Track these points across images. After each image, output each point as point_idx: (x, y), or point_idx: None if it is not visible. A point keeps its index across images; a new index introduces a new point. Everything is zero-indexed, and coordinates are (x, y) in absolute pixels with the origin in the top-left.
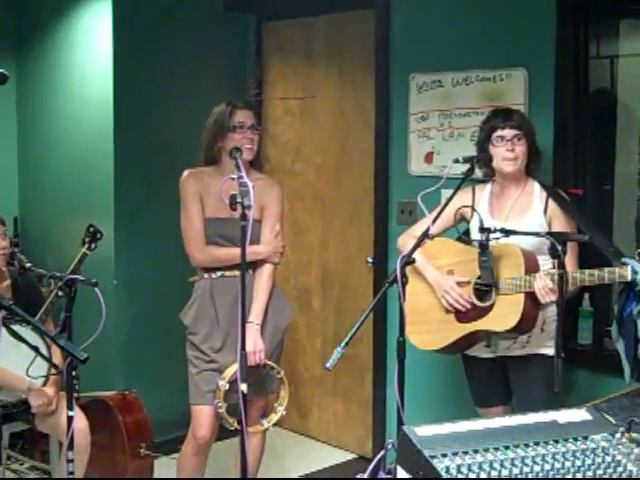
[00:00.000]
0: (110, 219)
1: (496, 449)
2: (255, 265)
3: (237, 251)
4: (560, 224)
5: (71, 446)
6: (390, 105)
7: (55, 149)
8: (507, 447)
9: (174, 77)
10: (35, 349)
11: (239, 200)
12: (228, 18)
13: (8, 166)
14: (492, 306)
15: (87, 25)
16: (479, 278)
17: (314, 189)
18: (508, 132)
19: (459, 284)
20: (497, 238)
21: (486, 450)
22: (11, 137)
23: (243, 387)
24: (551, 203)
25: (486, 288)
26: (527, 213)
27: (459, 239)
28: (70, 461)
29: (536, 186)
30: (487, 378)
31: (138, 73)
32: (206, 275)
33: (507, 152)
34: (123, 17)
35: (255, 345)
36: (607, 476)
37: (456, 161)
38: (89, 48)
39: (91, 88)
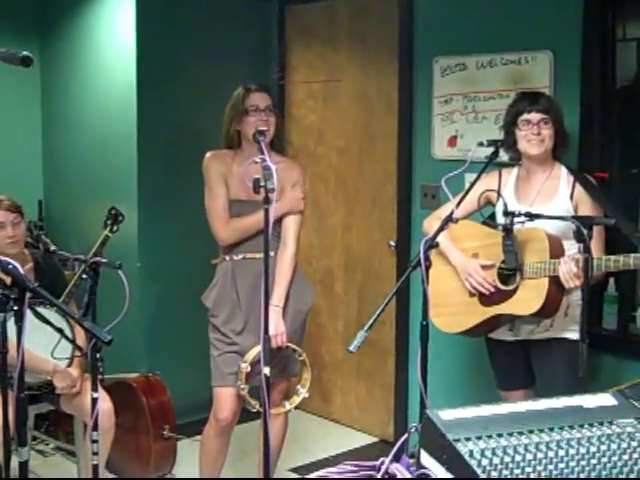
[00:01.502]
0: (133, 202)
1: (520, 433)
2: (277, 247)
3: (258, 216)
4: (587, 209)
5: (95, 427)
6: (413, 88)
7: (79, 133)
8: (531, 431)
9: (197, 61)
10: (60, 331)
11: (262, 183)
12: (251, 2)
13: (33, 150)
14: (516, 290)
15: (111, 9)
16: (503, 262)
17: (337, 172)
18: (534, 116)
19: (483, 267)
20: (522, 222)
21: (510, 434)
22: (36, 121)
23: (266, 370)
24: (578, 187)
25: (510, 272)
26: (554, 197)
27: (484, 223)
28: (94, 441)
29: (563, 170)
30: (510, 361)
31: (161, 57)
32: (228, 257)
33: (533, 135)
34: (147, 3)
35: (277, 328)
36: (632, 461)
37: (480, 144)
38: (113, 32)
39: (114, 72)
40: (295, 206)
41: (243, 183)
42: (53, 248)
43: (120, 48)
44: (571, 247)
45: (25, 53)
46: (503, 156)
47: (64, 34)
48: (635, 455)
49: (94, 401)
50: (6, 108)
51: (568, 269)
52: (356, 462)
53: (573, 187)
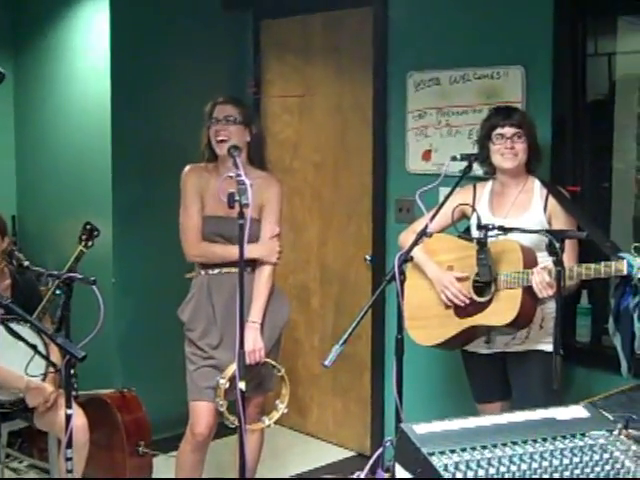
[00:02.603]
0: (108, 217)
1: (494, 446)
2: (254, 264)
3: (232, 249)
4: (560, 221)
5: (70, 444)
6: (388, 103)
7: (53, 148)
8: (505, 444)
9: (172, 76)
10: (33, 347)
11: (237, 198)
12: (226, 16)
13: (6, 165)
14: (490, 301)
15: (85, 24)
16: (477, 275)
17: (312, 187)
18: (508, 130)
19: (458, 279)
20: (495, 235)
21: (484, 447)
22: (9, 136)
23: (241, 385)
24: (551, 200)
25: (485, 283)
26: (527, 210)
27: (460, 236)
28: (69, 459)
29: (536, 184)
30: (486, 374)
31: (135, 72)
32: (203, 272)
33: (506, 149)
34: (120, 16)
35: (255, 344)
36: (605, 473)
37: (454, 159)
38: (87, 47)
39: (89, 87)
40: (269, 256)
41: (219, 199)
42: (26, 264)
43: (94, 63)
44: (545, 259)
45: None
46: (477, 170)
47: (37, 49)
48: (607, 467)
49: (68, 417)
50: None
51: (541, 279)
52: (333, 476)
53: (546, 200)
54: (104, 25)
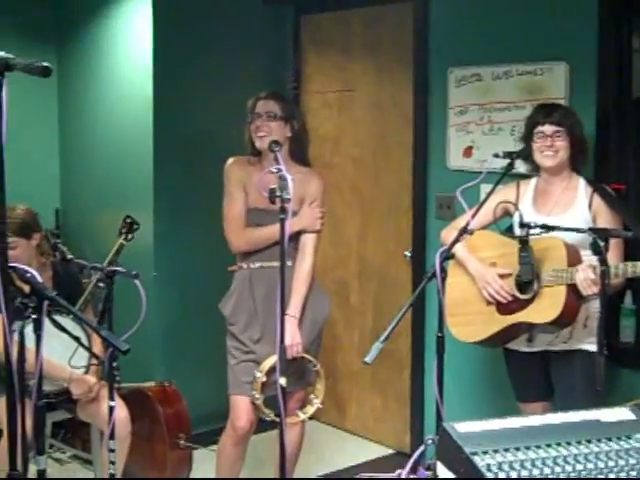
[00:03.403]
0: (149, 211)
1: (538, 447)
2: (295, 257)
3: (274, 229)
4: (605, 220)
5: (112, 436)
6: (428, 99)
7: (95, 142)
8: (549, 445)
9: (213, 69)
10: (77, 339)
11: (278, 193)
12: (266, 11)
13: (50, 159)
14: (533, 298)
15: (127, 17)
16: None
17: (352, 182)
18: (548, 128)
19: (501, 276)
20: (539, 234)
21: (528, 448)
22: (53, 130)
23: (282, 381)
24: (596, 198)
25: (527, 280)
26: (571, 208)
27: (502, 233)
28: (111, 450)
29: (581, 182)
30: (528, 372)
31: (177, 65)
32: (245, 265)
33: (546, 147)
34: (162, 10)
35: (293, 338)
36: None
37: (496, 156)
38: (129, 42)
39: (131, 81)
40: (312, 224)
41: (261, 192)
42: (70, 256)
43: (137, 57)
44: (588, 257)
45: (45, 63)
46: (519, 167)
47: (81, 42)
48: None
49: (111, 409)
50: (24, 118)
51: (585, 276)
52: (373, 474)
53: (591, 198)
54: (146, 19)
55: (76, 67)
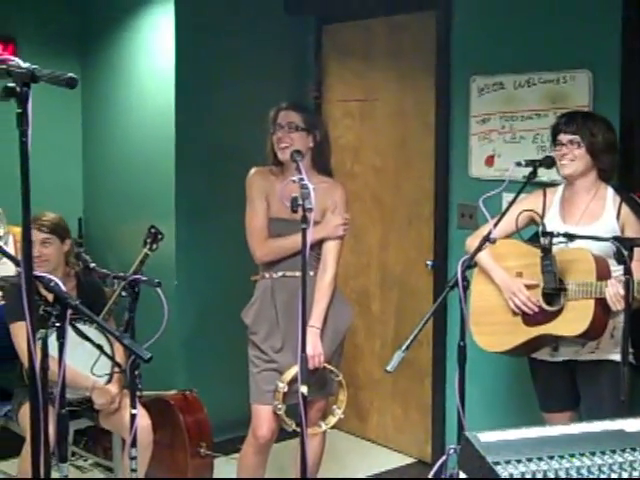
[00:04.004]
0: (171, 220)
1: (561, 457)
2: (317, 267)
3: (296, 239)
4: (633, 229)
5: (134, 443)
6: (450, 107)
7: (118, 152)
8: (572, 455)
9: (235, 79)
10: (99, 347)
11: (300, 202)
12: (288, 21)
13: (74, 169)
14: (561, 310)
15: (150, 28)
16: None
17: (373, 191)
18: (563, 137)
19: (527, 287)
20: (564, 242)
21: (551, 458)
22: (76, 140)
23: (303, 389)
24: (624, 208)
25: (555, 292)
26: (599, 218)
27: (527, 242)
28: (133, 458)
29: (609, 191)
30: (554, 383)
31: (199, 75)
32: (267, 274)
33: (562, 156)
34: (185, 20)
35: (314, 349)
36: None
37: (518, 164)
38: (152, 50)
39: (153, 91)
40: (334, 232)
41: (283, 202)
42: (93, 265)
43: (159, 67)
44: (615, 267)
45: (70, 75)
46: (542, 176)
47: (103, 53)
48: None
49: (133, 417)
50: (48, 128)
51: (615, 291)
52: None
53: (619, 208)
54: (169, 30)
55: (100, 78)
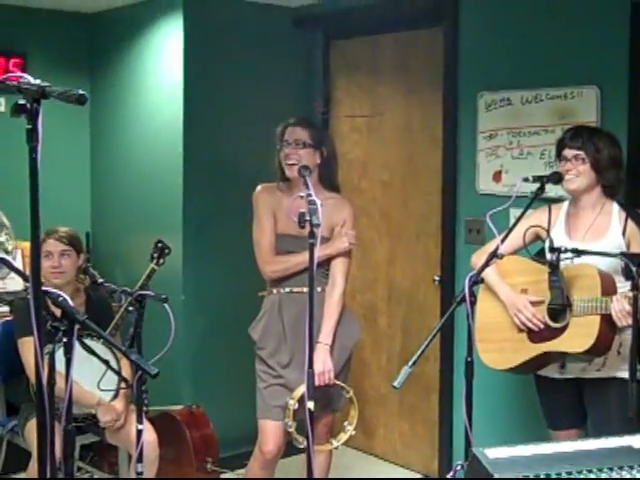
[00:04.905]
0: (179, 235)
1: (569, 474)
2: (325, 283)
3: (304, 256)
4: (639, 245)
5: (140, 459)
6: (458, 123)
7: (126, 167)
8: (580, 472)
9: (242, 94)
10: (106, 363)
11: (307, 218)
12: (296, 37)
13: (81, 183)
14: (566, 327)
15: (158, 44)
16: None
17: (381, 206)
18: (568, 152)
19: (533, 303)
20: (569, 258)
21: (558, 474)
22: (85, 156)
23: (310, 405)
24: (630, 224)
25: (560, 308)
26: (605, 234)
27: (533, 258)
28: (139, 474)
29: (615, 206)
30: (560, 400)
31: (207, 91)
32: (275, 290)
33: (566, 171)
34: (193, 36)
35: (325, 365)
36: None
37: (526, 180)
38: (160, 66)
39: (162, 106)
40: (342, 249)
41: (291, 218)
42: (100, 280)
43: (167, 83)
44: (622, 283)
45: (80, 92)
46: (549, 192)
47: (112, 71)
48: None
49: (139, 433)
50: (56, 143)
51: (621, 307)
52: None
53: (625, 223)
54: (177, 45)
55: (108, 93)
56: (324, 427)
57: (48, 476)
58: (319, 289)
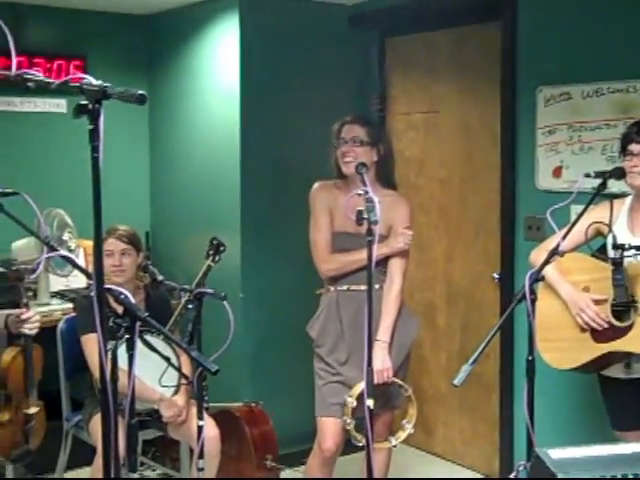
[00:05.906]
0: (237, 233)
1: (635, 476)
2: (383, 280)
3: (362, 254)
4: None
5: (201, 455)
6: (516, 119)
7: (184, 166)
8: None
9: (299, 93)
10: (167, 359)
11: (365, 216)
12: (351, 35)
13: (142, 183)
14: (631, 326)
15: (215, 44)
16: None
17: (439, 203)
18: (634, 147)
19: (595, 302)
20: (634, 255)
21: (624, 476)
22: (144, 156)
23: (370, 403)
24: None
25: (625, 307)
26: None
27: (594, 255)
28: (200, 469)
29: None
30: (626, 400)
31: (264, 90)
32: (332, 288)
33: (632, 166)
34: (250, 36)
35: (384, 363)
36: None
37: (587, 175)
38: (217, 66)
39: (219, 106)
40: (398, 248)
41: (348, 216)
42: (160, 278)
43: (224, 83)
44: None
45: (140, 92)
46: (611, 187)
47: (170, 71)
48: None
49: (200, 429)
50: (117, 144)
51: None
52: None
53: None
54: (234, 46)
55: (166, 93)
56: (383, 425)
57: (112, 470)
58: (377, 286)
